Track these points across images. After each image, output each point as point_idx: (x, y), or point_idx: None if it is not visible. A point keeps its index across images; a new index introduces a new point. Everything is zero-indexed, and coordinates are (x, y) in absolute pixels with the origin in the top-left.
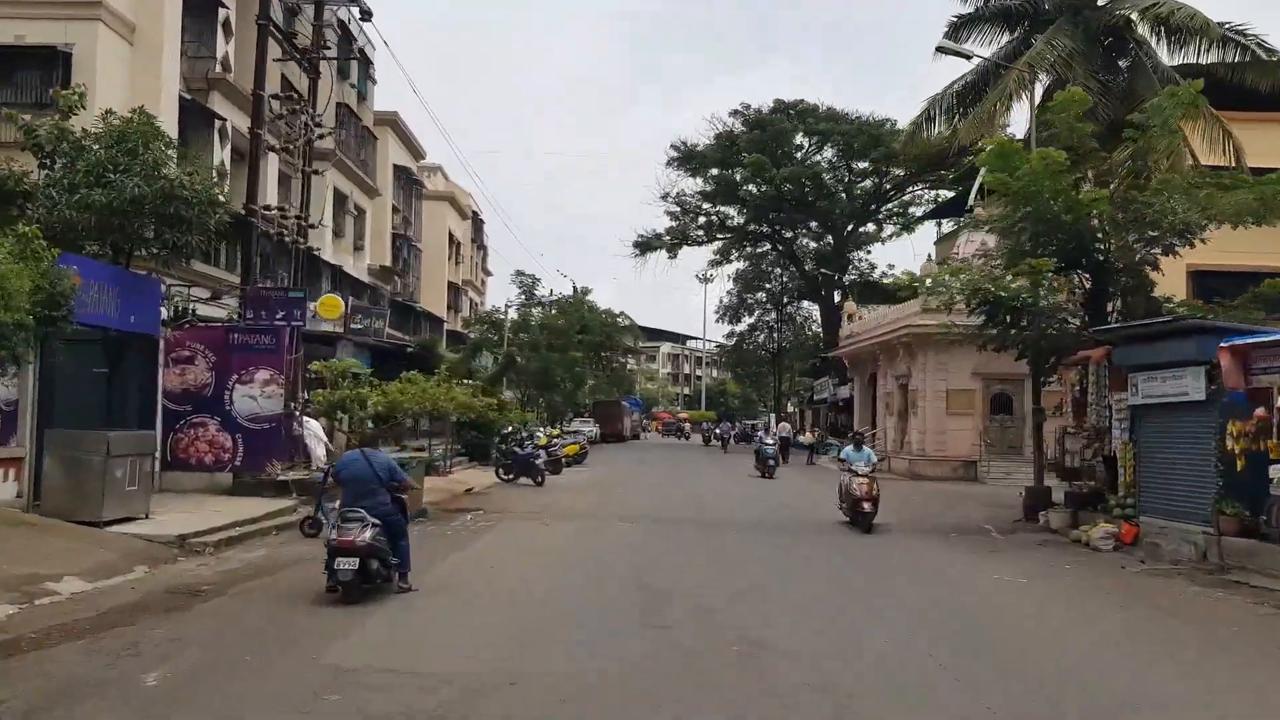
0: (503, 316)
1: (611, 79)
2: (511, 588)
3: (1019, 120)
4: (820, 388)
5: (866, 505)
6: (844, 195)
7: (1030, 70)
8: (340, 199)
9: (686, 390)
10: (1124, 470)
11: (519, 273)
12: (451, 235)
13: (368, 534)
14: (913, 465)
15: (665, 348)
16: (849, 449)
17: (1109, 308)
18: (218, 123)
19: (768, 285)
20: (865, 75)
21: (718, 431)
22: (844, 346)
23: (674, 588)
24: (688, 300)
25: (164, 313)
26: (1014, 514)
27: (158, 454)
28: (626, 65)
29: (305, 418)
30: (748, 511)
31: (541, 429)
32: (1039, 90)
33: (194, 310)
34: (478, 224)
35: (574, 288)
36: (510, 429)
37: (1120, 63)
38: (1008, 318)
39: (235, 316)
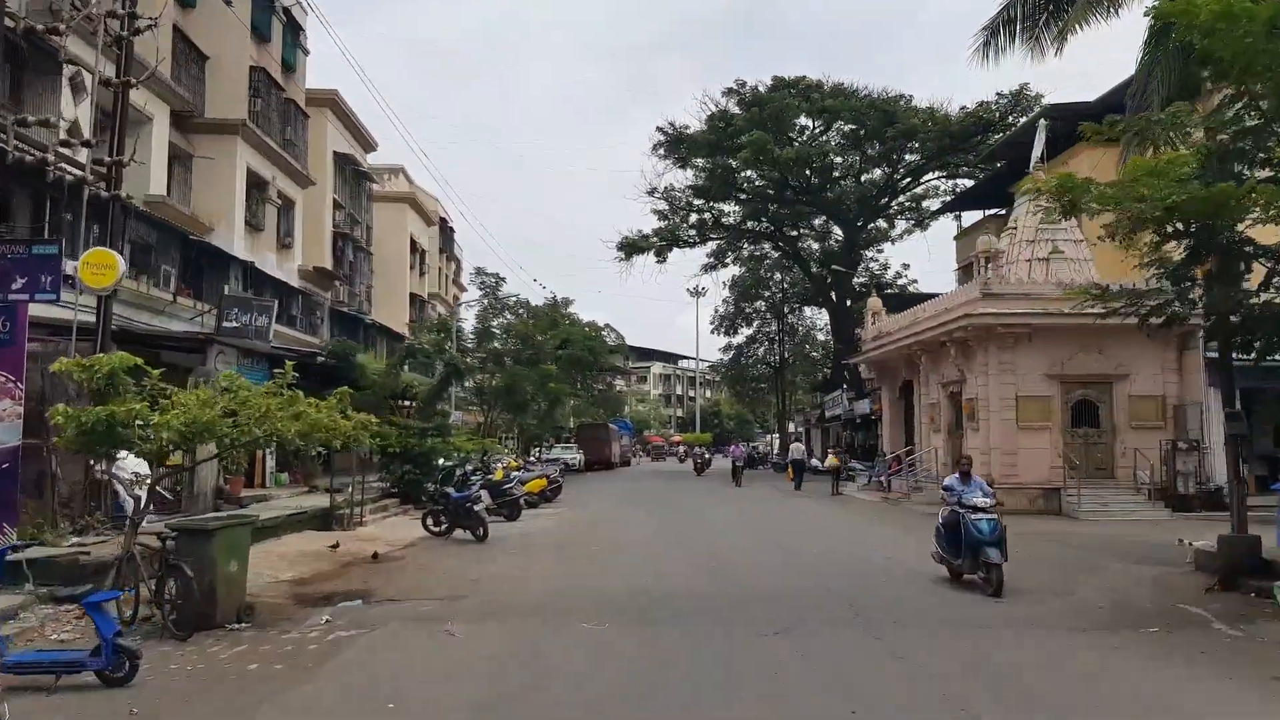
0: (456, 319)
1: (600, 97)
2: None
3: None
4: (832, 403)
5: None
6: (855, 181)
7: None
8: (257, 183)
9: (679, 412)
10: None
11: (479, 271)
12: (414, 242)
13: None
14: None
15: (656, 368)
16: None
17: None
18: (69, 68)
19: (767, 292)
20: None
21: (706, 456)
22: (870, 350)
23: None
24: (679, 319)
25: None
26: (1183, 573)
27: None
28: (616, 84)
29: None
30: (816, 588)
31: (501, 459)
32: None
33: None
34: (447, 233)
35: (553, 298)
36: (453, 461)
37: None
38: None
39: None
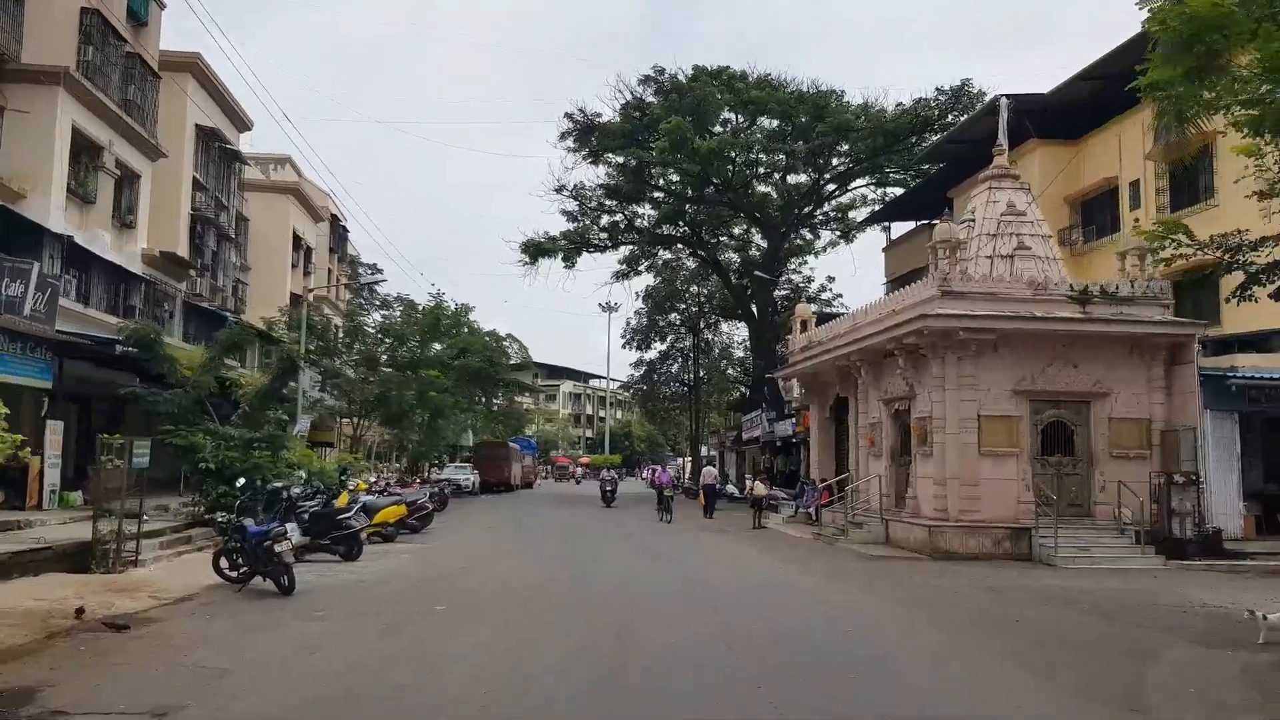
0: (309, 310)
1: (511, 103)
2: None
3: None
4: (750, 424)
5: None
6: (780, 182)
7: None
8: (89, 147)
9: (589, 432)
10: None
11: (353, 261)
12: (298, 238)
13: None
14: (934, 536)
15: (566, 386)
16: None
17: None
18: None
19: (682, 305)
20: None
21: (616, 480)
22: (798, 362)
23: None
24: (591, 338)
25: None
26: (1276, 663)
27: None
28: (526, 91)
29: None
30: None
31: (353, 480)
32: None
33: None
34: (339, 232)
35: (438, 295)
36: (282, 482)
37: None
38: None
39: None
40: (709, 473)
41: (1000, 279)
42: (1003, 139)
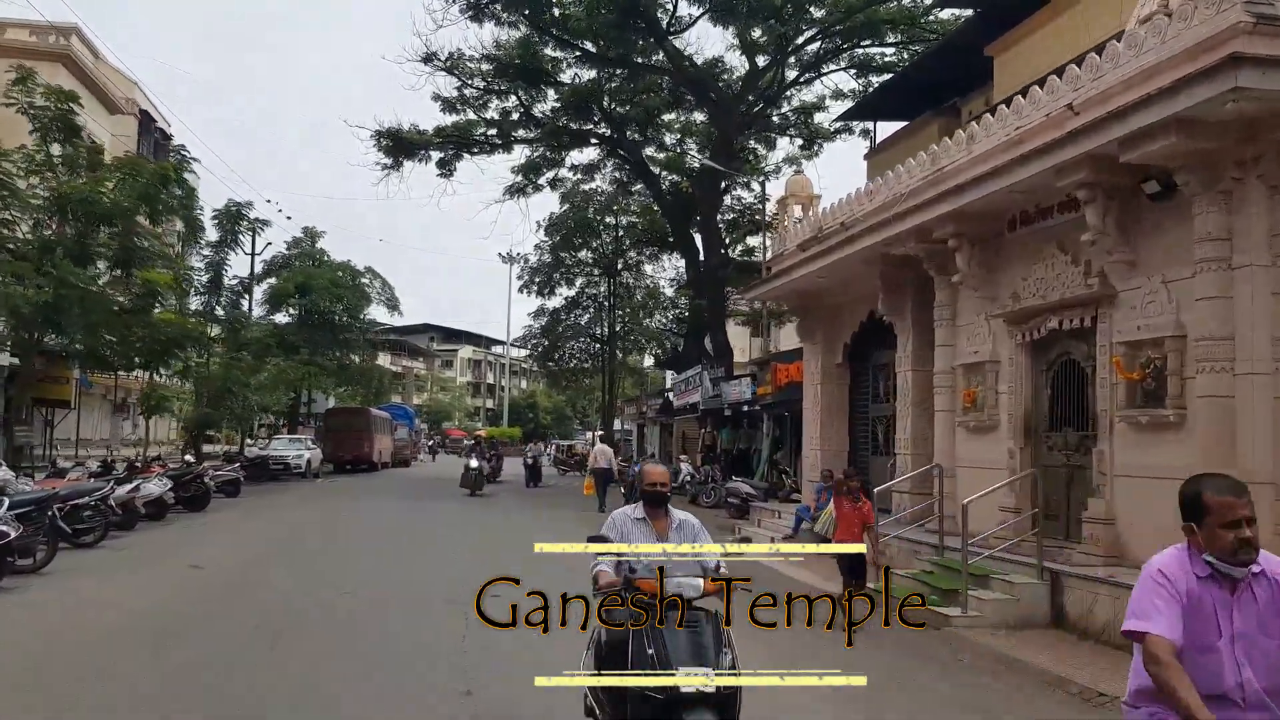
0: None
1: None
2: None
3: None
4: (686, 386)
5: None
6: (742, 30)
7: None
8: None
9: (490, 403)
10: None
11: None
12: (76, 129)
13: None
14: None
15: (465, 352)
16: None
17: None
18: None
19: (596, 241)
20: None
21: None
22: (794, 266)
23: None
24: (490, 304)
25: None
26: None
27: None
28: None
29: None
30: None
31: None
32: None
33: None
34: (152, 133)
35: (181, 153)
36: None
37: None
38: None
39: None
40: (602, 453)
41: None
42: None
